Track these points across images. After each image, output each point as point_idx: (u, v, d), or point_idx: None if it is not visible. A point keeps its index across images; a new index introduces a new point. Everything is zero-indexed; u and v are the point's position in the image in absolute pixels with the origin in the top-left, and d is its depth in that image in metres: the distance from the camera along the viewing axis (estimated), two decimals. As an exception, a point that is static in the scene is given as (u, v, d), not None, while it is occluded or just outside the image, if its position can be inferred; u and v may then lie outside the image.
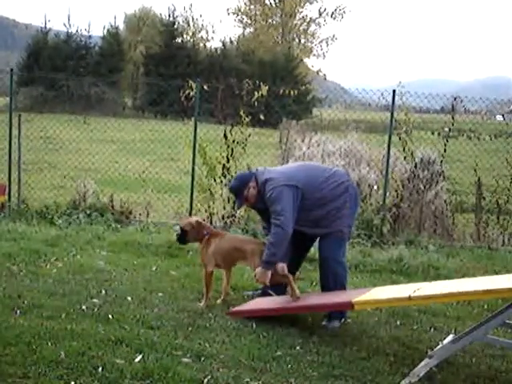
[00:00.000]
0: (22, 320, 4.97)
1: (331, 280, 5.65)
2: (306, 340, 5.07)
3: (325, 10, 55.01)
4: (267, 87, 9.75)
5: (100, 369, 4.15)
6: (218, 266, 5.90)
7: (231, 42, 47.38)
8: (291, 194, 5.42)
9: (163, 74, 39.97)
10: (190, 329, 5.10)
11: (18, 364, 4.15)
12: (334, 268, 5.62)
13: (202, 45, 48.33)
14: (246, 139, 9.52)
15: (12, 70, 10.78)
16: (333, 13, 55.10)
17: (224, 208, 9.51)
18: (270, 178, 5.54)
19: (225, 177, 9.48)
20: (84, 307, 5.42)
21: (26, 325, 4.85)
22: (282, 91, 10.60)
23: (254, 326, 5.27)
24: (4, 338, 4.53)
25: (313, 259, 6.74)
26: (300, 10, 55.11)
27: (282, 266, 5.47)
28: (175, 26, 44.93)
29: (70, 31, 43.54)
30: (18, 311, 5.20)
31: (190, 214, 9.59)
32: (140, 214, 9.97)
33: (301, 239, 5.86)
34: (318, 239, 5.79)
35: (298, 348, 4.89)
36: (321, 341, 5.08)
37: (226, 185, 9.48)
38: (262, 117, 10.48)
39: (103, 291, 5.94)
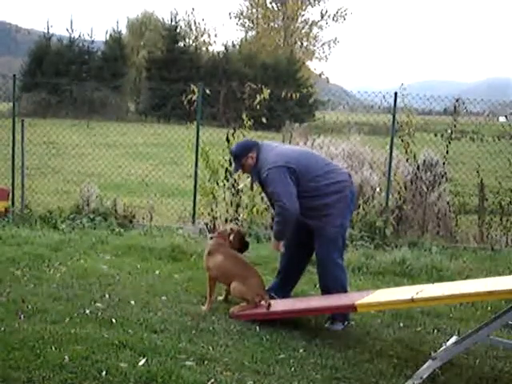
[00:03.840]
0: (25, 324, 4.98)
1: (330, 282, 5.65)
2: (309, 343, 5.08)
3: (326, 12, 55.15)
4: (269, 90, 9.76)
5: (104, 373, 4.16)
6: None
7: (233, 45, 47.46)
8: (287, 174, 5.44)
9: (166, 78, 40.08)
10: (193, 332, 5.11)
11: (22, 368, 4.16)
12: (331, 270, 5.62)
13: (204, 49, 48.43)
14: (249, 142, 9.49)
15: (15, 75, 10.81)
16: (335, 15, 55.20)
17: (227, 211, 9.51)
18: (268, 158, 5.56)
19: (227, 180, 9.48)
20: (88, 311, 5.43)
21: (30, 329, 4.86)
22: (284, 94, 10.60)
23: (258, 329, 5.28)
24: (8, 343, 4.55)
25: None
26: (302, 13, 55.23)
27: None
28: (177, 31, 45.01)
29: (72, 36, 43.71)
30: (22, 316, 5.21)
31: (194, 218, 9.61)
32: (143, 218, 9.98)
33: (301, 248, 5.88)
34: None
35: (301, 351, 4.89)
36: (324, 343, 5.09)
37: (228, 188, 9.50)
38: (264, 120, 10.49)
39: (107, 295, 5.95)
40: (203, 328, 5.22)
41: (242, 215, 9.43)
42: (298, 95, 10.63)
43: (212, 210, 9.50)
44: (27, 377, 4.06)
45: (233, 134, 9.45)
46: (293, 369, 4.53)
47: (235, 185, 9.44)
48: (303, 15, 55.54)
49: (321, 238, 5.59)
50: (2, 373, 4.08)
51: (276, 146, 5.79)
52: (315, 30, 55.75)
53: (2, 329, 4.84)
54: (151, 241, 8.35)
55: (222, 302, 6.00)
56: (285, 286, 6.09)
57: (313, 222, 5.60)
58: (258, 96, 9.80)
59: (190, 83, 10.21)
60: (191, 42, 48.06)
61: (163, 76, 40.74)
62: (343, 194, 5.57)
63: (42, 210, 10.07)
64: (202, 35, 51.47)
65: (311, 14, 66.10)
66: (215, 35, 76.88)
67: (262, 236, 8.90)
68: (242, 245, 6.06)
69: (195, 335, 5.04)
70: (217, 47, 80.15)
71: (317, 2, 55.28)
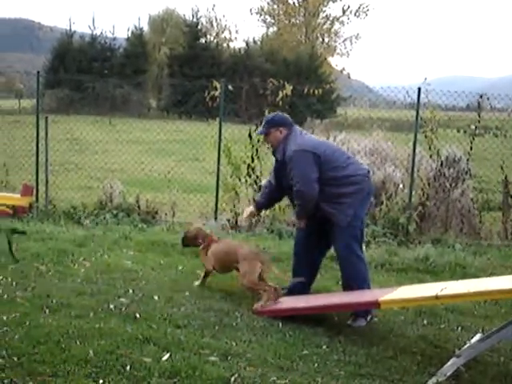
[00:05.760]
0: (50, 319, 5.02)
1: (352, 275, 5.69)
2: (332, 339, 5.06)
3: (348, 7, 54.86)
4: (291, 86, 9.75)
5: (128, 367, 4.17)
6: (214, 269, 6.22)
7: (255, 41, 47.41)
8: (311, 158, 5.59)
9: (187, 74, 40.12)
10: (216, 328, 5.11)
11: (47, 362, 4.18)
12: (352, 262, 5.65)
13: (225, 45, 48.48)
14: (271, 139, 9.48)
15: (38, 72, 10.90)
16: (356, 11, 54.89)
17: (249, 208, 9.50)
18: (297, 140, 5.74)
19: (250, 176, 9.49)
20: (112, 306, 5.45)
21: (55, 324, 4.89)
22: (306, 90, 10.58)
23: (281, 325, 5.27)
24: (33, 337, 4.58)
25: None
26: (323, 8, 54.99)
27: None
28: (199, 27, 45.10)
29: (94, 33, 44.09)
30: (47, 310, 5.24)
31: (216, 214, 9.63)
32: (166, 214, 10.02)
33: (312, 237, 5.89)
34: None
35: (324, 347, 4.88)
36: (347, 340, 5.07)
37: (250, 184, 9.49)
38: (286, 116, 10.47)
39: (130, 290, 5.98)
40: (226, 324, 5.23)
41: (263, 212, 9.42)
42: (319, 91, 10.61)
43: (234, 206, 9.52)
44: (52, 371, 4.08)
45: (255, 131, 9.44)
46: (316, 365, 4.52)
47: (257, 181, 9.44)
48: (324, 11, 55.35)
49: (337, 229, 5.63)
50: (27, 367, 4.11)
51: (305, 133, 6.00)
52: (337, 25, 55.55)
53: (28, 323, 4.88)
54: (174, 236, 8.36)
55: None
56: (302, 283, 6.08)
57: (326, 208, 5.64)
58: (280, 92, 9.80)
59: (211, 79, 10.23)
60: (212, 38, 48.19)
61: (185, 72, 40.80)
62: (360, 187, 5.65)
63: (65, 205, 10.15)
64: (223, 31, 51.68)
65: (333, 9, 65.47)
66: (236, 31, 77.28)
67: (284, 232, 8.89)
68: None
69: (218, 331, 5.05)
70: (238, 43, 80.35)
71: (338, -2, 55.10)
